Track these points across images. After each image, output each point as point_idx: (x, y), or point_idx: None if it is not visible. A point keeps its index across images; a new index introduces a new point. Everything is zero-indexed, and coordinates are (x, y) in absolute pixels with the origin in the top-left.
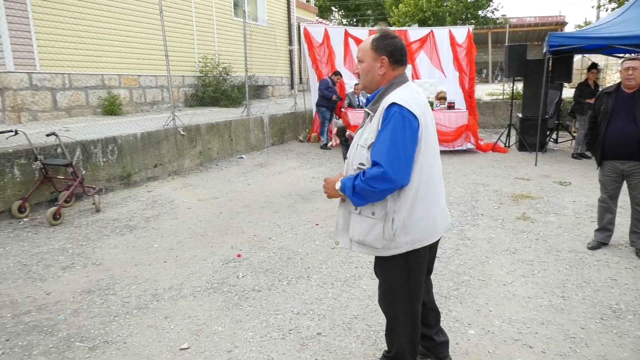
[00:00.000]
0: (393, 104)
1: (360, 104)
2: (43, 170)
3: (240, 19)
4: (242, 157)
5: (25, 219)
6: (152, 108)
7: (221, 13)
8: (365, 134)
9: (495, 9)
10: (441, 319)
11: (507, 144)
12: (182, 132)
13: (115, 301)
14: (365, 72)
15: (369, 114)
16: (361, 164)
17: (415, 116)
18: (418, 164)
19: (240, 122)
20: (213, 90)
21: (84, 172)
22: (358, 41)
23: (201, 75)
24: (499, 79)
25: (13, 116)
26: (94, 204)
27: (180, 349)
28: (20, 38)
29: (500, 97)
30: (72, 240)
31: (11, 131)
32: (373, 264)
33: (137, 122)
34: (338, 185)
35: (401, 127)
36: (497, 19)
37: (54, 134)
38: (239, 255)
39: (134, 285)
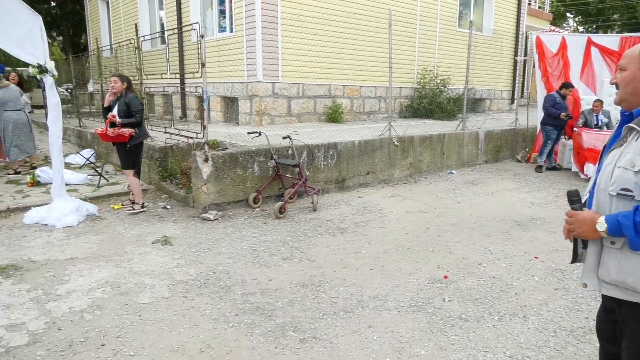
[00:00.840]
0: None
1: (600, 123)
2: (276, 168)
3: (464, 30)
4: (452, 173)
5: (257, 209)
6: (369, 117)
7: (445, 25)
8: (629, 154)
9: None
10: None
11: None
12: (396, 142)
13: (324, 299)
14: (626, 82)
15: (632, 129)
16: (625, 189)
17: None
18: None
19: (453, 136)
20: (428, 102)
21: (307, 173)
22: (604, 50)
23: (418, 87)
24: None
25: (257, 119)
26: (312, 203)
27: None
28: (270, 53)
29: None
30: (292, 234)
31: (256, 132)
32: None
33: (355, 130)
34: (603, 227)
35: None
36: None
37: (288, 137)
38: (445, 277)
39: (342, 287)
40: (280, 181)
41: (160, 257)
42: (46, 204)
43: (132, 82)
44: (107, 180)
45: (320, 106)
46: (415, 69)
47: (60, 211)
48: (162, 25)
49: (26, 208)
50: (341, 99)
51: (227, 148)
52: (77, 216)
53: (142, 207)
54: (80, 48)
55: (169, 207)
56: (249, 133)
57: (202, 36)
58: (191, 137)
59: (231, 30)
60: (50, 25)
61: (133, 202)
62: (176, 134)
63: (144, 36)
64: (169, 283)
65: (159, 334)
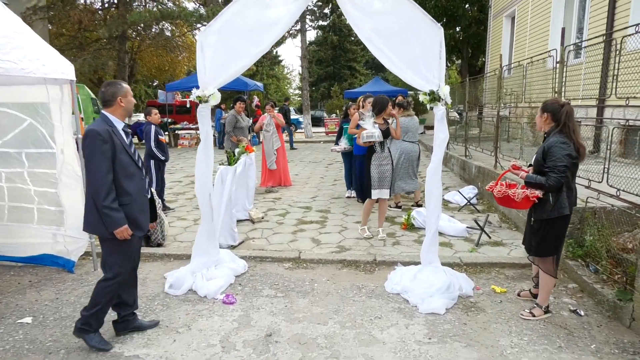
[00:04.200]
0: None
1: None
2: None
3: None
4: None
5: None
6: None
7: None
8: None
9: None
10: None
11: None
12: None
13: None
14: None
15: None
16: None
17: None
18: None
19: None
20: None
21: None
22: None
23: None
24: None
25: None
26: None
27: None
28: None
29: None
30: None
31: None
32: None
33: None
34: None
35: None
36: None
37: None
38: None
39: None
40: None
41: None
42: (414, 263)
43: (562, 111)
44: (489, 237)
45: None
46: None
47: (426, 287)
48: (576, 37)
49: (392, 264)
50: None
51: None
52: (446, 299)
53: (546, 312)
54: (475, 70)
55: (581, 312)
56: None
57: None
58: (637, 205)
59: None
60: (452, 49)
61: (535, 296)
62: (607, 194)
63: (573, 43)
64: None
65: None
